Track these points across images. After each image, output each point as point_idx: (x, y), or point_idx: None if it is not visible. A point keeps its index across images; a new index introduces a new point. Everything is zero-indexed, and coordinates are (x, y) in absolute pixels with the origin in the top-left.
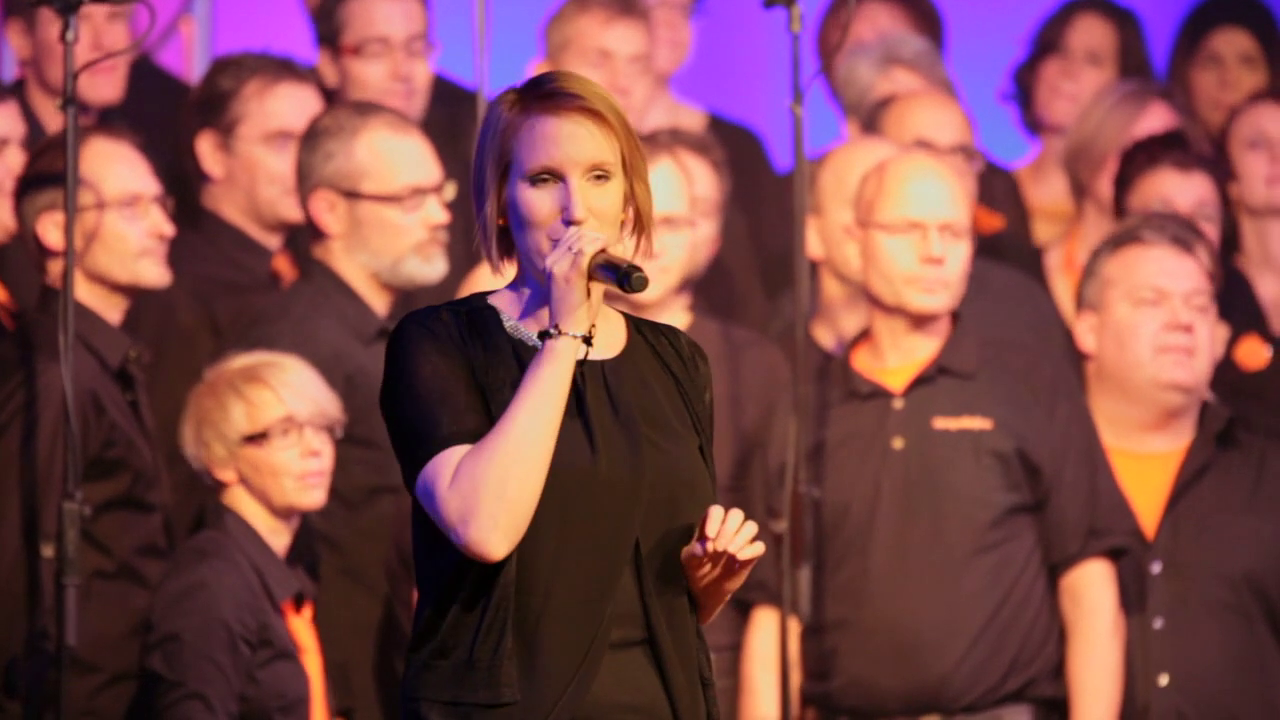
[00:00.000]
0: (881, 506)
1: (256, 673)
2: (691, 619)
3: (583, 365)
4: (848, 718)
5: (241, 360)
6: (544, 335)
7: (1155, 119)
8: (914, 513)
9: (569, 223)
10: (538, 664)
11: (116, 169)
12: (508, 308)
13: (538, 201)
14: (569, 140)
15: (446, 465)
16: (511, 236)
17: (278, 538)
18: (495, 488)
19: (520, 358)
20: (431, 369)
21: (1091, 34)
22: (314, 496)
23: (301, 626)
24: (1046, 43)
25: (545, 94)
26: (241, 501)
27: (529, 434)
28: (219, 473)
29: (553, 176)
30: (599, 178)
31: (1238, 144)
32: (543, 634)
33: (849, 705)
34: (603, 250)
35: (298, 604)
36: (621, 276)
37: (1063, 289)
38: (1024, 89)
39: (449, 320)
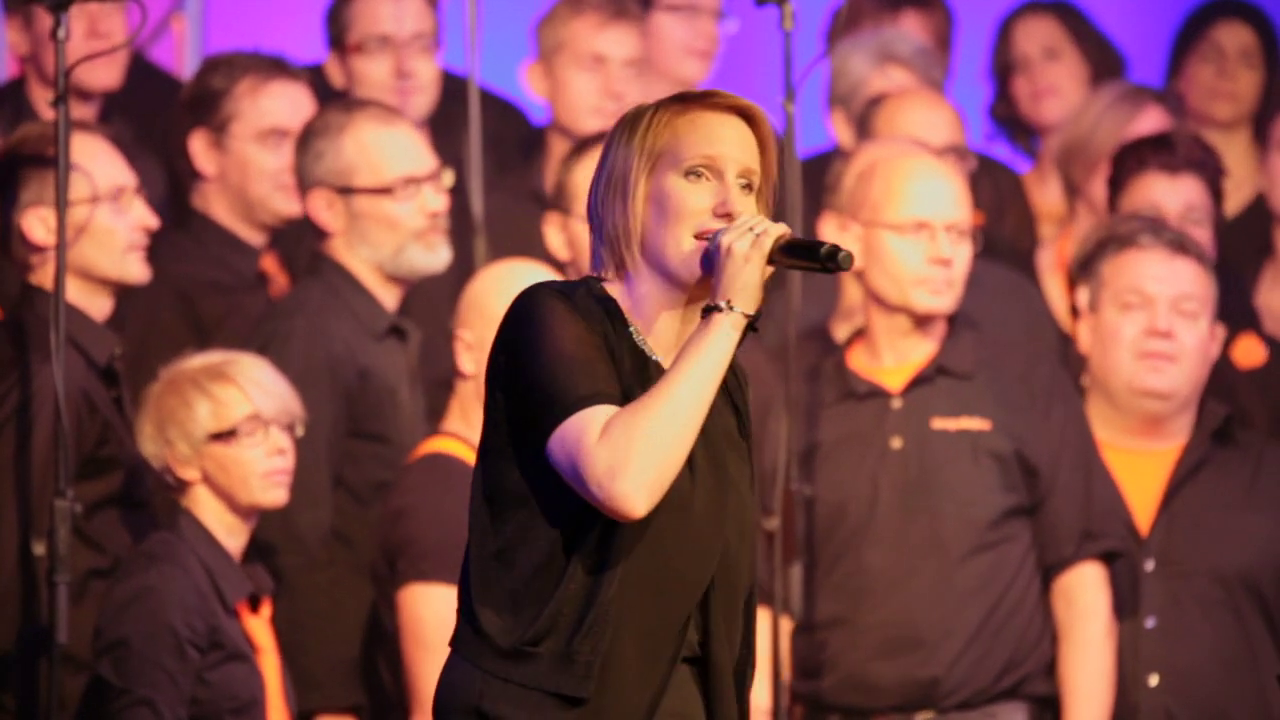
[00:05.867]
0: (879, 506)
1: (207, 675)
2: (745, 631)
3: None
4: (840, 715)
5: (201, 359)
6: (710, 309)
7: (1151, 121)
8: (912, 512)
9: (725, 215)
10: (611, 673)
11: (98, 163)
12: (626, 309)
13: (691, 194)
14: (731, 139)
15: (593, 421)
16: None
17: (234, 538)
18: (651, 447)
19: (645, 372)
20: (575, 334)
21: (1038, 33)
22: (278, 495)
23: (259, 626)
24: (1005, 64)
25: (706, 95)
26: (200, 501)
27: (688, 402)
28: (182, 471)
29: (709, 171)
30: (745, 186)
31: (1274, 147)
32: (623, 643)
33: (843, 702)
34: (784, 235)
35: (253, 604)
36: (826, 256)
37: (1054, 288)
38: (1005, 121)
39: (586, 300)
